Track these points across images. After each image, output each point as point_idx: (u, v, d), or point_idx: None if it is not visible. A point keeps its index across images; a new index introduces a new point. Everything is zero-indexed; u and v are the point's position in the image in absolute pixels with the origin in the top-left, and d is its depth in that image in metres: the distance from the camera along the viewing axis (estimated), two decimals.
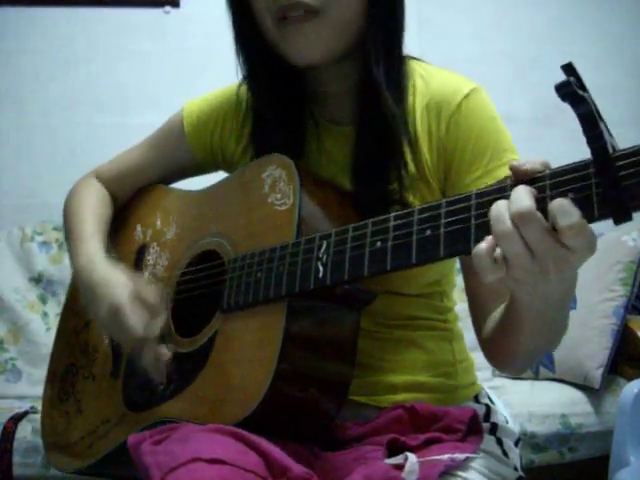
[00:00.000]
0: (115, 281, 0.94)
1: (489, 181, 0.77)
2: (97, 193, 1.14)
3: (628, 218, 0.55)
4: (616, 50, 2.71)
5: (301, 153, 0.95)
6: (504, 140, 0.89)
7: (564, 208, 0.57)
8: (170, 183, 1.15)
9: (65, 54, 2.48)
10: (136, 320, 0.89)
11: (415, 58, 0.97)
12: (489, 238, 0.61)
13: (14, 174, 2.43)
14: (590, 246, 0.59)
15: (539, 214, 0.59)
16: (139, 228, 1.11)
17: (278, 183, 0.87)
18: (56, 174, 2.34)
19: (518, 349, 0.80)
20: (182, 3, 2.54)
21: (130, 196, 1.16)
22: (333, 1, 0.85)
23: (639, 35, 2.74)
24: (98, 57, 2.49)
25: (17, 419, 1.69)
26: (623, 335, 1.94)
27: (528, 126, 2.42)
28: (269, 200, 0.87)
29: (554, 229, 0.58)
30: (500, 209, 0.60)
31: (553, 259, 0.60)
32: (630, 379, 1.74)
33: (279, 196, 0.86)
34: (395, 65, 0.90)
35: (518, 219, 0.59)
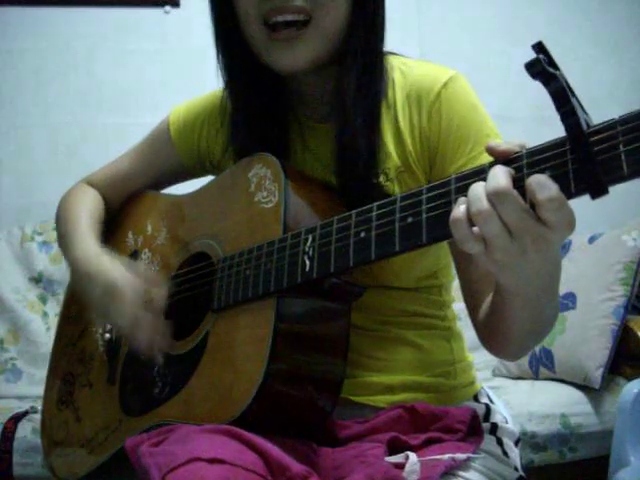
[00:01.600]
0: (109, 264, 0.95)
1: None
2: (90, 197, 1.15)
3: (604, 192, 0.55)
4: (615, 50, 2.71)
5: (286, 152, 0.95)
6: (486, 126, 0.89)
7: (541, 182, 0.57)
8: (161, 188, 1.16)
9: (65, 54, 2.48)
10: (133, 292, 0.90)
11: (394, 53, 0.97)
12: (464, 206, 0.61)
13: (14, 174, 2.43)
14: (569, 222, 0.59)
15: (515, 192, 0.59)
16: (130, 235, 1.12)
17: (264, 181, 0.87)
18: (56, 174, 2.35)
19: (509, 335, 0.80)
20: (182, 3, 2.55)
21: (121, 203, 1.17)
22: (324, 11, 0.86)
23: (637, 35, 2.74)
24: (98, 57, 2.49)
25: (17, 419, 1.68)
26: (623, 335, 1.93)
27: (527, 126, 2.42)
28: (255, 199, 0.87)
29: (532, 208, 0.59)
30: (477, 189, 0.61)
31: (532, 238, 0.60)
32: (630, 379, 1.74)
33: (265, 194, 0.86)
34: (370, 68, 0.90)
35: (494, 197, 0.59)
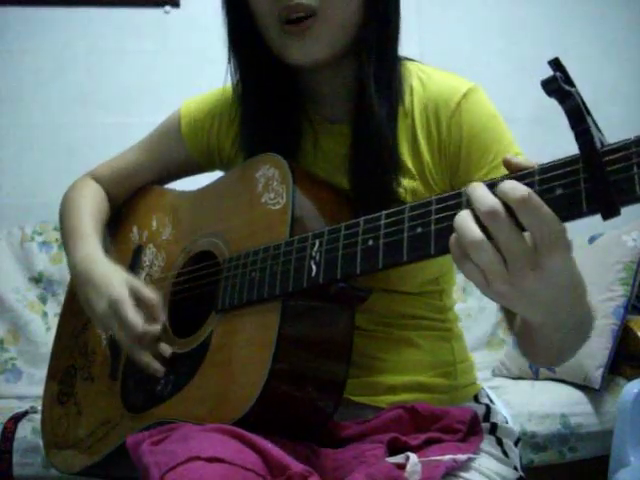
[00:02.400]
0: (115, 278, 0.94)
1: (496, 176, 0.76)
2: (94, 193, 1.14)
3: (616, 213, 0.55)
4: (615, 50, 2.71)
5: (297, 152, 0.95)
6: (506, 136, 0.90)
7: (512, 184, 0.57)
8: (167, 183, 1.15)
9: (65, 54, 2.48)
10: (136, 316, 0.89)
11: (413, 60, 0.97)
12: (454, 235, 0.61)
13: (15, 174, 2.43)
14: (556, 236, 0.57)
15: (503, 210, 0.58)
16: (135, 230, 1.12)
17: (271, 182, 0.87)
18: (56, 174, 2.34)
19: (545, 351, 0.79)
20: (182, 3, 2.55)
21: (127, 197, 1.16)
22: (330, 2, 0.86)
23: (638, 35, 2.74)
24: (98, 57, 2.49)
25: (17, 419, 1.68)
26: (623, 335, 1.93)
27: (528, 126, 2.43)
28: (262, 200, 0.87)
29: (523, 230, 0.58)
30: (462, 217, 0.60)
31: (526, 262, 0.58)
32: (630, 379, 1.74)
33: (272, 195, 0.86)
34: (386, 66, 0.90)
35: (486, 217, 0.58)
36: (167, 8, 2.54)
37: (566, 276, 0.62)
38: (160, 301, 0.93)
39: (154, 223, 1.08)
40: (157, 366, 0.90)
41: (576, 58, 2.57)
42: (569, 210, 0.57)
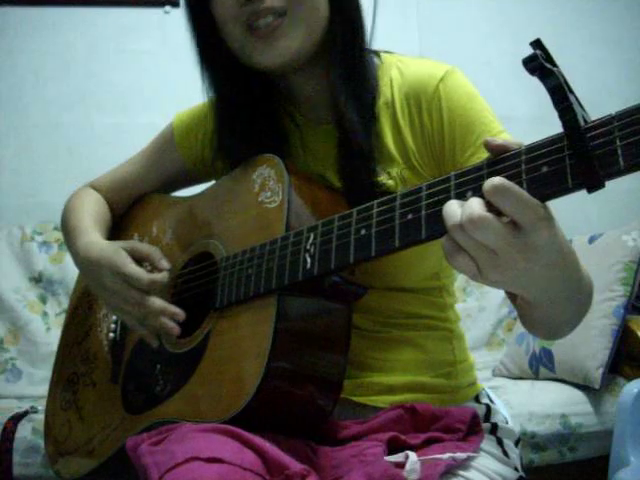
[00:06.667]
0: (109, 250, 0.97)
1: (483, 156, 0.73)
2: (95, 200, 1.15)
3: (600, 186, 0.56)
4: (615, 50, 2.71)
5: (286, 154, 0.95)
6: (488, 114, 0.89)
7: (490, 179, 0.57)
8: (166, 194, 1.16)
9: (65, 54, 2.48)
10: (138, 270, 0.92)
11: (389, 52, 0.98)
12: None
13: (14, 174, 2.43)
14: (536, 212, 0.57)
15: (490, 216, 0.58)
16: (136, 237, 1.13)
17: (268, 182, 0.88)
18: (56, 174, 2.35)
19: (539, 324, 0.80)
20: (182, 3, 2.54)
21: (125, 208, 1.18)
22: (299, 1, 0.87)
23: (638, 35, 2.74)
24: (98, 57, 2.49)
25: (17, 419, 1.68)
26: (623, 335, 1.93)
27: (528, 125, 2.42)
28: (259, 199, 0.88)
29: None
30: (450, 203, 0.60)
31: (516, 250, 0.59)
32: (630, 379, 1.74)
33: (269, 194, 0.87)
34: (354, 63, 0.91)
35: (470, 226, 0.58)
36: (167, 8, 2.55)
37: (555, 249, 0.62)
38: (158, 251, 0.97)
39: (154, 229, 1.09)
40: (172, 325, 0.90)
41: (576, 58, 2.57)
42: (555, 186, 0.58)
